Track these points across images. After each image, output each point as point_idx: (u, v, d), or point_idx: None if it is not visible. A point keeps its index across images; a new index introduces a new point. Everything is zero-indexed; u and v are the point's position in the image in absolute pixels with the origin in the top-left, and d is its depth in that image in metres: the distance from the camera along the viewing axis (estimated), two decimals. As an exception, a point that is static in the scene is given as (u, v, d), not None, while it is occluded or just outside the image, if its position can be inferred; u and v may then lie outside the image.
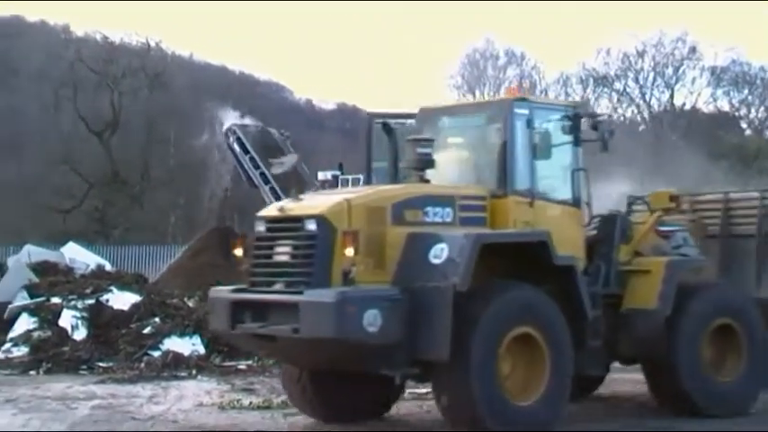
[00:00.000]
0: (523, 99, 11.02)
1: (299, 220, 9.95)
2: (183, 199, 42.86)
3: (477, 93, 47.12)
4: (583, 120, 11.30)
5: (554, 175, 11.16)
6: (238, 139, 26.23)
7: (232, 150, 26.40)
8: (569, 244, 10.86)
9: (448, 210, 10.36)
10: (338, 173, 23.88)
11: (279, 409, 11.81)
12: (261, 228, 10.42)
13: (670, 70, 45.78)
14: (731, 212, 12.99)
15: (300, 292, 9.60)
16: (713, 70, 45.56)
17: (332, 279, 9.61)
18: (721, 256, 12.81)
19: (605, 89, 46.86)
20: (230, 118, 27.95)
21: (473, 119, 11.37)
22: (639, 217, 12.41)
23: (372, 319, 9.30)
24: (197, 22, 72.71)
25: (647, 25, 65.33)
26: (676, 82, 45.94)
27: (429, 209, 10.24)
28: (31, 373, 15.27)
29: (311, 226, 9.81)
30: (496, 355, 9.73)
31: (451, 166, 11.15)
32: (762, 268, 12.57)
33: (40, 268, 19.00)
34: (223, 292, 10.71)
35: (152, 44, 45.26)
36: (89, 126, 42.92)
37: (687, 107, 46.16)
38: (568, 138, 11.16)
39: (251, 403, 12.27)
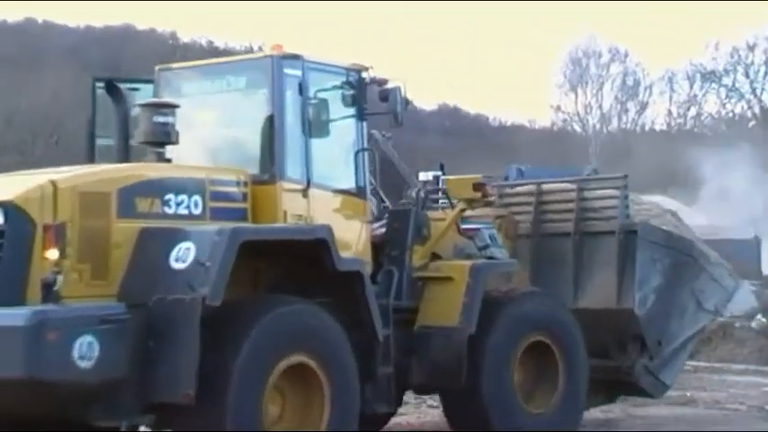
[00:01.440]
0: (295, 56, 8.75)
1: None
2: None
3: (580, 91, 46.90)
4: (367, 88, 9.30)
5: (333, 156, 9.18)
6: None
7: None
8: (352, 244, 9.01)
9: (195, 198, 8.19)
10: (440, 173, 21.58)
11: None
12: None
13: (784, 63, 45.31)
14: (544, 207, 11.09)
15: (-20, 313, 7.10)
16: (829, 63, 45.19)
17: (26, 294, 7.27)
18: (533, 259, 10.87)
19: (713, 84, 46.21)
20: None
21: (229, 82, 9.19)
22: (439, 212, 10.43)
23: (86, 350, 6.99)
24: (298, 25, 71.33)
25: (759, 20, 65.27)
26: (790, 76, 45.37)
27: (170, 197, 8.05)
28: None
29: None
30: (262, 394, 7.65)
31: (200, 142, 8.94)
32: (579, 273, 10.71)
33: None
34: None
35: (254, 47, 45.07)
36: (195, 131, 43.63)
37: (802, 101, 45.78)
38: (351, 110, 9.21)
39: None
